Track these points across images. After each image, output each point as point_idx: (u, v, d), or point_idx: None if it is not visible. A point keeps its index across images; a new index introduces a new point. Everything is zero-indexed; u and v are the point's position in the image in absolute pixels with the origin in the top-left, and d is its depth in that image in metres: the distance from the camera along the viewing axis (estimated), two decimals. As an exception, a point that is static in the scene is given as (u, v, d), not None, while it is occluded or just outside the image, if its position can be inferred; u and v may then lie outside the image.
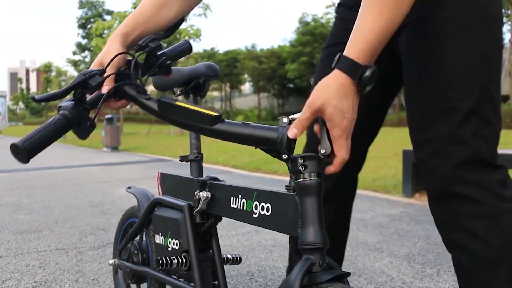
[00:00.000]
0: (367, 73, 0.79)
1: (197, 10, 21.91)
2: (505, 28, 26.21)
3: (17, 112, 79.87)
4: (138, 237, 1.46)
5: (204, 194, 1.10)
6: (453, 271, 2.11)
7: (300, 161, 0.81)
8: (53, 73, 46.42)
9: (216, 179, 1.15)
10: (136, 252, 1.42)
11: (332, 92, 0.78)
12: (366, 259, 2.35)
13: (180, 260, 1.15)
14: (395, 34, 0.86)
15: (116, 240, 1.64)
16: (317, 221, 0.80)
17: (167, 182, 1.34)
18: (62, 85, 33.25)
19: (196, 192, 1.12)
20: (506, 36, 26.46)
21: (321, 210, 0.81)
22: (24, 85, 56.08)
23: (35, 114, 65.03)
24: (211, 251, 1.18)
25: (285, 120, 0.83)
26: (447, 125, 0.91)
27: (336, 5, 1.19)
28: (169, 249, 1.23)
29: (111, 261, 1.50)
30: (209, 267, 1.17)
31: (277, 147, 0.83)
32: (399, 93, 1.24)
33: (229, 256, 1.24)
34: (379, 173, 5.73)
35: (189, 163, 1.29)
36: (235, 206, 1.02)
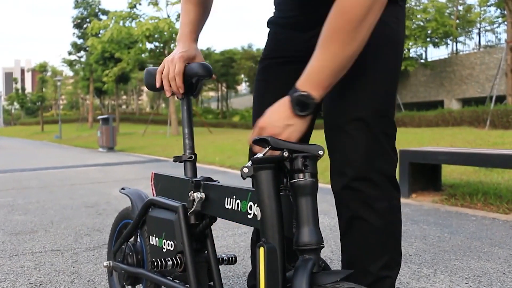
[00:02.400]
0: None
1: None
2: (502, 28, 26.36)
3: (12, 113, 79.51)
4: (132, 238, 1.44)
5: (198, 195, 1.09)
6: (450, 271, 2.12)
7: (301, 160, 0.81)
8: (49, 73, 46.24)
9: (210, 179, 1.14)
10: (130, 253, 1.40)
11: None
12: (362, 260, 2.35)
13: (175, 262, 1.14)
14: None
15: (110, 241, 1.62)
16: (312, 222, 0.80)
17: (161, 182, 1.33)
18: (58, 85, 33.11)
19: (190, 193, 1.12)
20: (503, 37, 26.60)
21: (316, 210, 0.81)
22: (19, 85, 55.70)
23: (30, 115, 64.73)
24: (206, 251, 1.17)
25: (246, 170, 0.85)
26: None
27: (267, 21, 1.34)
28: (164, 250, 1.22)
29: (105, 263, 1.49)
30: (205, 268, 1.16)
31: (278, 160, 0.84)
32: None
33: (224, 257, 1.22)
34: (375, 173, 5.73)
35: (183, 163, 1.28)
36: (230, 207, 1.01)
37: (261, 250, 0.83)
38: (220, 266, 1.16)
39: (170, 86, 1.25)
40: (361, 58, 1.06)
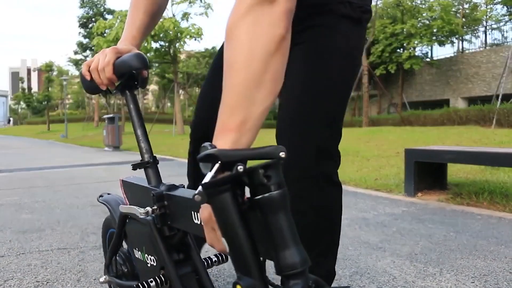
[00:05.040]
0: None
1: (198, 9, 21.86)
2: (508, 26, 26.16)
3: (18, 112, 79.92)
4: (121, 250, 1.34)
5: (161, 209, 0.99)
6: (456, 270, 2.12)
7: (261, 171, 0.65)
8: (55, 73, 46.44)
9: (174, 187, 1.02)
10: (122, 266, 1.30)
11: None
12: (368, 258, 2.35)
13: (158, 281, 1.04)
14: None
15: (104, 253, 1.52)
16: (291, 240, 0.65)
17: (130, 191, 1.20)
18: (64, 85, 33.25)
19: (154, 206, 1.00)
20: (509, 35, 26.42)
21: (292, 225, 0.66)
22: (25, 85, 55.93)
23: (36, 114, 65.01)
24: (192, 260, 1.08)
25: (198, 198, 0.64)
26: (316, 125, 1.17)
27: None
28: (148, 265, 1.11)
29: (102, 279, 1.35)
30: (192, 277, 1.06)
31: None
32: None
33: (213, 258, 1.12)
34: (381, 172, 5.72)
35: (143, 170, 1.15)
36: (199, 222, 0.85)
37: None
38: (218, 267, 1.11)
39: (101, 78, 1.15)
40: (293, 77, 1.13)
